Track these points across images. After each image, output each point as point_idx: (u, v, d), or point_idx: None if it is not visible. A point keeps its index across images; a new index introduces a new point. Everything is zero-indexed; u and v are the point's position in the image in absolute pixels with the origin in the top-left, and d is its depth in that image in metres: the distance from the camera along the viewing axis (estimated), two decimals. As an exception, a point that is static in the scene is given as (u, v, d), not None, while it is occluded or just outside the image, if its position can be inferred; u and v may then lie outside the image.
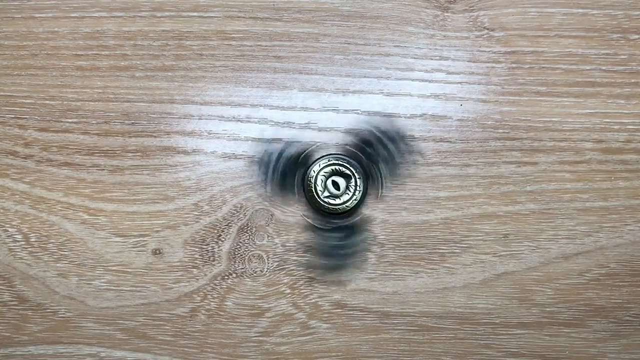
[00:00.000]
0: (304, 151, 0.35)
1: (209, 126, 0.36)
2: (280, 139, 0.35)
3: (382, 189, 0.35)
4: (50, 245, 0.36)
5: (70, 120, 0.36)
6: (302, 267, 0.36)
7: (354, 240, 0.35)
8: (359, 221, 0.35)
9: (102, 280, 0.36)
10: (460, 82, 0.35)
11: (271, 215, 0.35)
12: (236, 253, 0.35)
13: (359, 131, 0.35)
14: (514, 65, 0.35)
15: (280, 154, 0.35)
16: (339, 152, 0.35)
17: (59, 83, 0.36)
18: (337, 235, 0.35)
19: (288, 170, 0.35)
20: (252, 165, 0.35)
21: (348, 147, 0.35)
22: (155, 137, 0.36)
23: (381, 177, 0.35)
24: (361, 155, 0.35)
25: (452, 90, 0.35)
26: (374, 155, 0.35)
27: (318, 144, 0.35)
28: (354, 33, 0.36)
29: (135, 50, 0.36)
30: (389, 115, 0.35)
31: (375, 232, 0.35)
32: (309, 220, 0.35)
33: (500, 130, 0.35)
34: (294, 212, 0.35)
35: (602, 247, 0.35)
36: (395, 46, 0.36)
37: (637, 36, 0.35)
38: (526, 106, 0.35)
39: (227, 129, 0.36)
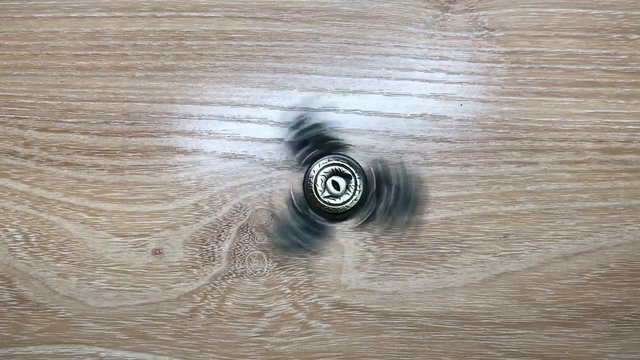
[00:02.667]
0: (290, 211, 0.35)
1: (209, 126, 0.36)
2: (280, 139, 0.35)
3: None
4: (50, 245, 0.36)
5: (70, 120, 0.36)
6: (302, 267, 0.36)
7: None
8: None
9: (102, 280, 0.36)
10: (460, 82, 0.35)
11: (271, 215, 0.35)
12: (236, 253, 0.35)
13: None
14: (514, 65, 0.35)
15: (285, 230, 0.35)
16: (339, 152, 0.35)
17: (59, 83, 0.36)
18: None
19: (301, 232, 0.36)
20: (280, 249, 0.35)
21: (348, 146, 0.35)
22: (155, 137, 0.36)
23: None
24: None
25: (452, 90, 0.35)
26: None
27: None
28: (354, 33, 0.36)
29: (135, 50, 0.36)
30: (389, 115, 0.35)
31: (376, 232, 0.35)
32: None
33: (500, 130, 0.35)
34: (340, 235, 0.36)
35: (602, 247, 0.35)
36: (395, 46, 0.36)
37: (637, 36, 0.35)
38: (526, 106, 0.35)
39: (227, 129, 0.36)
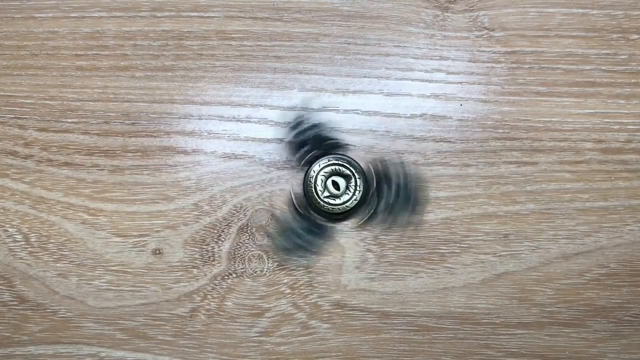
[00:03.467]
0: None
1: (209, 126, 0.36)
2: (280, 139, 0.35)
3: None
4: (50, 245, 0.36)
5: (70, 120, 0.36)
6: (302, 267, 0.36)
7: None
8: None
9: (102, 280, 0.36)
10: (460, 82, 0.35)
11: (271, 215, 0.35)
12: (236, 253, 0.35)
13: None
14: (514, 65, 0.35)
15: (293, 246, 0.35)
16: (339, 152, 0.35)
17: (59, 83, 0.36)
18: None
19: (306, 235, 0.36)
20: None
21: (348, 146, 0.35)
22: (155, 137, 0.36)
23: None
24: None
25: (452, 90, 0.35)
26: None
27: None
28: (354, 33, 0.36)
29: (135, 50, 0.36)
30: (389, 115, 0.35)
31: (376, 232, 0.35)
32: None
33: (500, 130, 0.35)
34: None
35: (602, 247, 0.35)
36: (395, 46, 0.36)
37: (637, 36, 0.35)
38: (526, 106, 0.35)
39: (227, 129, 0.36)
